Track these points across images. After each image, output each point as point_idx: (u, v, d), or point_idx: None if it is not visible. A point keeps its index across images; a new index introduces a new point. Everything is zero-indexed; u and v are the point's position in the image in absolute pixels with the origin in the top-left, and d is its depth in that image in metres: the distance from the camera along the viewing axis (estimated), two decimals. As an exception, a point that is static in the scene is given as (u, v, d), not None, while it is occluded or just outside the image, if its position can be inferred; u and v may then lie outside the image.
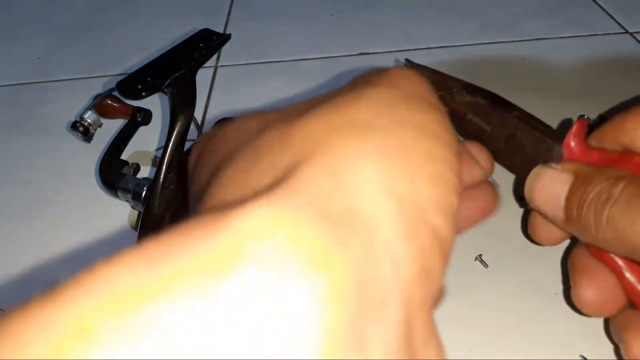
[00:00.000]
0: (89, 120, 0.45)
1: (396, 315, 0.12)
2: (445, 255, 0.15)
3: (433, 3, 0.67)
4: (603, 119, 0.45)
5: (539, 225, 0.26)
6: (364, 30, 0.63)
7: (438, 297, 0.15)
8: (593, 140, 0.25)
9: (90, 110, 0.45)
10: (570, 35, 0.59)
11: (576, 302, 0.26)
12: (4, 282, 0.38)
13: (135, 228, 0.41)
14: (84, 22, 0.70)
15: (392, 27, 0.63)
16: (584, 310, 0.26)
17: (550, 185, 0.23)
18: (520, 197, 0.26)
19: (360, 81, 0.17)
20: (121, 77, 0.30)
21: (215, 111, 0.52)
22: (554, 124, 0.47)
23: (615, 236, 0.20)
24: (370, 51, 0.59)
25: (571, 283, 0.26)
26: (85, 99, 0.54)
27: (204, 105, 0.52)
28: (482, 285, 0.34)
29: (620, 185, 0.21)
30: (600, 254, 0.25)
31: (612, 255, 0.24)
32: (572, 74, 0.53)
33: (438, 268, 0.14)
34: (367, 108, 0.15)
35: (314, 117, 0.15)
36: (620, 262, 0.24)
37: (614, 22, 0.61)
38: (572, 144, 0.24)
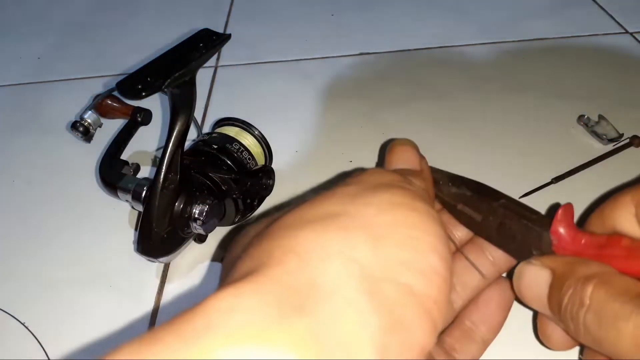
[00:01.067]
0: (89, 120, 0.45)
1: None
2: (425, 308, 0.16)
3: (433, 3, 0.67)
4: (602, 119, 0.45)
5: (547, 328, 0.24)
6: (364, 30, 0.63)
7: (428, 344, 0.16)
8: (597, 224, 0.24)
9: (90, 110, 0.45)
10: (570, 35, 0.59)
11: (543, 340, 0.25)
12: (3, 282, 0.38)
13: (135, 228, 0.41)
14: (84, 22, 0.70)
15: (392, 27, 0.63)
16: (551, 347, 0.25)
17: (533, 284, 0.22)
18: None
19: (339, 181, 0.20)
20: (121, 77, 0.30)
21: (215, 111, 0.52)
22: (554, 124, 0.47)
23: (595, 344, 0.19)
24: (370, 51, 0.59)
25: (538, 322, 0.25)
26: (85, 99, 0.54)
27: (204, 105, 0.52)
28: (482, 285, 0.34)
29: (589, 289, 0.19)
30: None
31: None
32: (572, 74, 0.53)
33: (414, 319, 0.15)
34: (335, 201, 0.18)
35: (291, 213, 0.18)
36: None
37: (614, 22, 0.61)
38: (560, 230, 0.23)
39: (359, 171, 0.20)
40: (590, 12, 0.63)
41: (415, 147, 0.25)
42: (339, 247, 0.16)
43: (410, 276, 0.16)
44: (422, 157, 0.25)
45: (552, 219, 0.23)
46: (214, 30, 0.34)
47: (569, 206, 0.23)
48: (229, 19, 0.68)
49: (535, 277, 0.22)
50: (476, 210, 0.26)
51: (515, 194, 0.39)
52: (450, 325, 0.27)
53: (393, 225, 0.17)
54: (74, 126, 0.44)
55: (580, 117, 0.46)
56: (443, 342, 0.26)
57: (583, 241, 0.23)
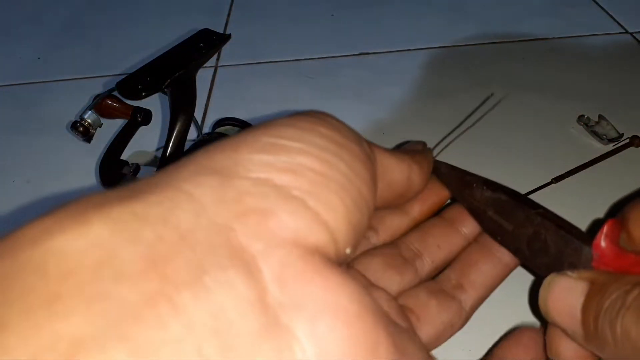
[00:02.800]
0: (89, 120, 0.45)
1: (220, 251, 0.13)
2: (303, 201, 0.14)
3: (433, 3, 0.67)
4: (602, 119, 0.45)
5: (560, 344, 0.23)
6: (364, 30, 0.63)
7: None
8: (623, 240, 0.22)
9: (90, 110, 0.45)
10: (570, 35, 0.59)
11: None
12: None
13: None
14: (84, 22, 0.70)
15: (392, 27, 0.63)
16: None
17: (565, 295, 0.20)
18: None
19: None
20: (121, 77, 0.30)
21: (215, 111, 0.52)
22: (554, 124, 0.47)
23: (631, 349, 0.18)
24: (370, 51, 0.59)
25: None
26: (85, 99, 0.54)
27: (204, 105, 0.52)
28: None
29: (635, 292, 0.18)
30: None
31: None
32: (572, 74, 0.53)
33: (278, 206, 0.14)
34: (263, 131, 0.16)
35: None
36: None
37: (614, 22, 0.61)
38: (603, 244, 0.21)
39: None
40: (590, 12, 0.63)
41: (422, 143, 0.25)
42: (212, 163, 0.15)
43: (272, 173, 0.14)
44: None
45: (592, 236, 0.22)
46: (214, 30, 0.34)
47: (617, 222, 0.22)
48: (229, 19, 0.68)
49: (568, 288, 0.20)
50: (509, 217, 0.24)
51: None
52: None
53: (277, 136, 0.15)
54: (74, 126, 0.44)
55: (580, 117, 0.46)
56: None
57: (628, 260, 0.21)
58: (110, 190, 0.14)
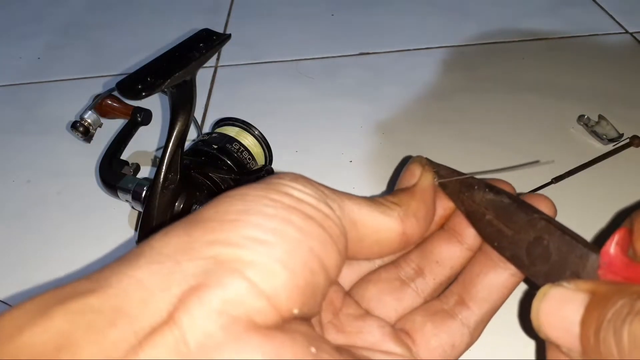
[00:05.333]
0: (89, 120, 0.45)
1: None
2: (233, 268, 0.16)
3: (433, 3, 0.67)
4: (602, 119, 0.45)
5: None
6: (364, 30, 0.63)
7: None
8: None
9: (90, 110, 0.45)
10: (570, 35, 0.59)
11: None
12: (3, 281, 0.38)
13: (135, 228, 0.41)
14: (84, 22, 0.70)
15: (392, 27, 0.63)
16: None
17: (560, 308, 0.18)
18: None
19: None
20: (121, 77, 0.30)
21: (215, 111, 0.52)
22: (554, 124, 0.47)
23: None
24: (370, 51, 0.59)
25: None
26: (85, 99, 0.54)
27: (204, 105, 0.52)
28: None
29: None
30: None
31: None
32: (572, 74, 0.53)
33: (222, 277, 0.16)
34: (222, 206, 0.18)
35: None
36: None
37: (614, 22, 0.61)
38: (613, 251, 0.20)
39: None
40: (590, 12, 0.63)
41: (419, 164, 0.24)
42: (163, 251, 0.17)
43: (217, 250, 0.16)
44: (428, 170, 0.24)
45: (597, 245, 0.20)
46: (214, 30, 0.34)
47: (628, 231, 0.20)
48: (229, 19, 0.68)
49: (565, 300, 0.19)
50: (509, 222, 0.23)
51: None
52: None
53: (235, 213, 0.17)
54: (74, 126, 0.44)
55: (580, 117, 0.46)
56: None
57: (637, 271, 0.19)
58: (74, 282, 0.16)
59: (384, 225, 0.20)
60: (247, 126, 0.40)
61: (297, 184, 0.18)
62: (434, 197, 0.23)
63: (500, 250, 0.24)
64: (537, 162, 0.25)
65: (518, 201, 0.24)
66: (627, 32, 0.59)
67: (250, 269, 0.16)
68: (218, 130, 0.41)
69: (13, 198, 0.45)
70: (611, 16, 0.62)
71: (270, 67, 0.58)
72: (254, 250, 0.16)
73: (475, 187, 0.25)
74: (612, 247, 0.20)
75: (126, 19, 0.69)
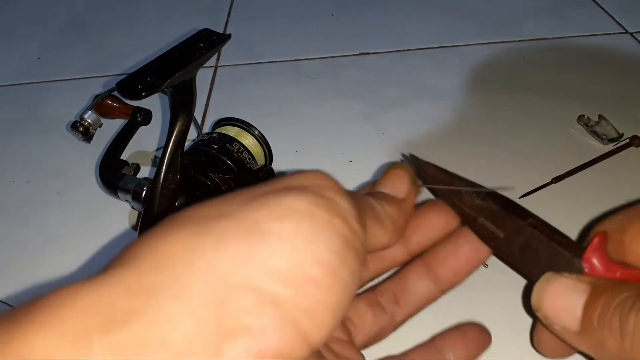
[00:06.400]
0: (89, 120, 0.45)
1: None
2: (289, 316, 0.15)
3: (433, 3, 0.67)
4: (602, 119, 0.45)
5: (547, 338, 0.25)
6: (364, 30, 0.63)
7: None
8: (613, 252, 0.24)
9: (90, 110, 0.45)
10: (570, 35, 0.59)
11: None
12: (3, 281, 0.38)
13: (135, 228, 0.41)
14: (84, 22, 0.70)
15: (392, 27, 0.63)
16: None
17: (563, 293, 0.22)
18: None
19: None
20: (121, 77, 0.30)
21: (215, 111, 0.52)
22: (554, 124, 0.47)
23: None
24: (370, 51, 0.59)
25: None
26: (85, 99, 0.54)
27: (204, 105, 0.52)
28: (482, 285, 0.34)
29: None
30: None
31: None
32: (572, 74, 0.53)
33: (269, 326, 0.15)
34: (236, 201, 0.17)
35: (192, 208, 0.17)
36: None
37: (614, 22, 0.61)
38: (594, 260, 0.22)
39: (301, 171, 0.19)
40: (590, 12, 0.63)
41: (408, 175, 0.24)
42: (203, 252, 0.15)
43: (274, 284, 0.15)
44: (415, 186, 0.24)
45: (582, 246, 0.22)
46: (214, 30, 0.34)
47: (604, 235, 0.23)
48: (229, 19, 0.68)
49: (569, 287, 0.22)
50: (499, 226, 0.24)
51: (515, 194, 0.39)
52: (424, 343, 0.28)
53: (278, 232, 0.16)
54: (74, 126, 0.44)
55: (580, 117, 0.46)
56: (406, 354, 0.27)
57: (618, 274, 0.22)
58: (110, 292, 0.14)
59: (378, 241, 0.21)
60: (247, 126, 0.40)
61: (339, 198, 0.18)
62: (407, 215, 0.24)
63: (497, 249, 0.25)
64: (499, 188, 0.25)
65: (505, 206, 0.25)
66: (627, 32, 0.59)
67: (302, 315, 0.15)
68: (218, 130, 0.41)
69: (13, 198, 0.45)
70: (611, 16, 0.62)
71: (270, 67, 0.58)
72: (307, 294, 0.16)
73: (463, 192, 0.25)
74: (592, 255, 0.22)
75: (126, 19, 0.69)
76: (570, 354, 0.26)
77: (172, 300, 0.14)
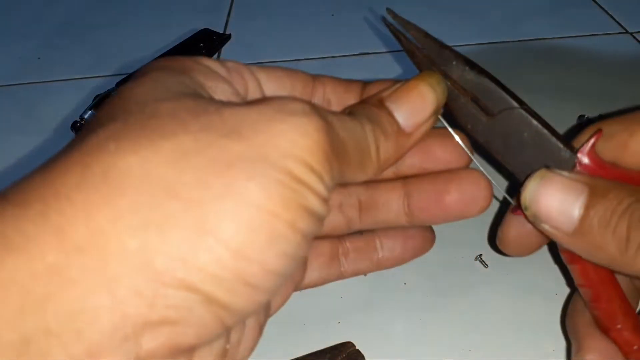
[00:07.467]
0: (89, 121, 0.45)
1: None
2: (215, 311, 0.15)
3: (433, 3, 0.67)
4: (603, 119, 0.45)
5: (512, 230, 0.24)
6: (364, 30, 0.63)
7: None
8: (611, 151, 0.23)
9: (90, 110, 0.45)
10: (570, 35, 0.59)
11: None
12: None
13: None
14: (84, 22, 0.70)
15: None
16: None
17: (561, 192, 0.20)
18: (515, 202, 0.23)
19: None
20: (121, 77, 0.30)
21: (215, 111, 0.52)
22: (554, 124, 0.47)
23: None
24: (370, 51, 0.59)
25: (574, 349, 0.25)
26: (85, 99, 0.54)
27: (204, 105, 0.52)
28: (482, 285, 0.34)
29: None
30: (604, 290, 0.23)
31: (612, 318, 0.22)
32: (572, 74, 0.53)
33: (193, 320, 0.15)
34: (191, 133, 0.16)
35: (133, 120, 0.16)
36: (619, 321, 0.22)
37: (614, 22, 0.61)
38: (588, 157, 0.21)
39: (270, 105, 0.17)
40: (590, 12, 0.63)
41: (435, 103, 0.23)
42: (142, 244, 0.14)
43: (210, 284, 0.15)
44: (433, 119, 0.22)
45: (571, 141, 0.21)
46: (214, 30, 0.34)
47: (600, 135, 0.22)
48: (229, 19, 0.68)
49: (567, 186, 0.20)
50: (487, 107, 0.22)
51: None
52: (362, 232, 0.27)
53: (227, 236, 0.14)
54: (74, 126, 0.44)
55: (580, 117, 0.46)
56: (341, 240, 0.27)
57: (610, 173, 0.21)
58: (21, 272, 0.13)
59: (353, 177, 0.20)
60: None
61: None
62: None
63: (474, 133, 0.23)
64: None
65: (501, 85, 0.23)
66: (627, 32, 0.59)
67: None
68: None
69: (13, 198, 0.45)
70: (611, 16, 0.62)
71: (270, 67, 0.58)
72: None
73: (454, 62, 0.23)
74: (588, 149, 0.21)
75: (126, 19, 0.69)
76: (532, 252, 0.25)
77: (100, 290, 0.14)
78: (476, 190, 0.25)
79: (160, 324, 0.14)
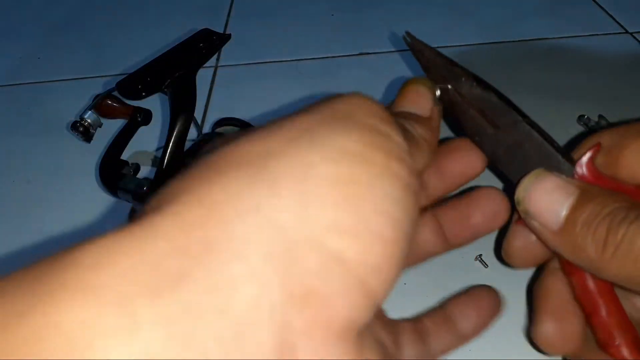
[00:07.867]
0: (89, 120, 0.44)
1: (263, 343, 0.12)
2: (358, 278, 0.14)
3: (433, 3, 0.67)
4: (602, 119, 0.45)
5: (519, 245, 0.24)
6: (364, 30, 0.63)
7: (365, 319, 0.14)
8: (605, 165, 0.23)
9: (90, 110, 0.45)
10: (570, 35, 0.59)
11: (537, 339, 0.25)
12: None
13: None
14: (84, 22, 0.70)
15: (392, 27, 0.63)
16: (543, 348, 0.24)
17: (552, 190, 0.21)
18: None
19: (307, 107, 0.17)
20: (121, 77, 0.30)
21: (215, 111, 0.52)
22: (554, 124, 0.47)
23: (629, 256, 0.19)
24: (370, 51, 0.59)
25: (535, 318, 0.25)
26: (85, 99, 0.54)
27: (204, 105, 0.52)
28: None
29: (638, 211, 0.19)
30: (579, 279, 0.23)
31: (593, 292, 0.23)
32: (572, 74, 0.53)
33: (338, 290, 0.13)
34: (279, 137, 0.15)
35: (227, 146, 0.15)
36: (600, 301, 0.23)
37: (614, 22, 0.61)
38: (586, 168, 0.22)
39: (340, 95, 0.17)
40: (590, 12, 0.63)
41: (430, 91, 0.22)
42: (258, 202, 0.13)
43: (340, 241, 0.13)
44: (436, 104, 0.23)
45: (570, 153, 0.22)
46: (214, 30, 0.34)
47: (598, 147, 0.22)
48: (229, 19, 0.68)
49: (558, 186, 0.21)
50: (492, 120, 0.24)
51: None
52: (434, 309, 0.26)
53: (334, 180, 0.14)
54: (74, 126, 0.44)
55: (580, 117, 0.46)
56: (419, 320, 0.25)
57: (607, 185, 0.22)
58: (153, 248, 0.12)
59: (418, 166, 0.20)
60: (247, 126, 0.40)
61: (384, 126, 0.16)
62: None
63: (480, 145, 0.25)
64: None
65: (506, 100, 0.24)
66: (627, 32, 0.59)
67: (368, 273, 0.14)
68: (218, 130, 0.41)
69: (13, 198, 0.45)
70: (611, 16, 0.62)
71: (270, 67, 0.58)
72: (370, 248, 0.14)
73: (463, 78, 0.25)
74: (586, 160, 0.22)
75: (126, 19, 0.69)
76: (536, 265, 0.25)
77: (229, 260, 0.12)
78: (495, 206, 0.25)
79: (304, 298, 0.13)
